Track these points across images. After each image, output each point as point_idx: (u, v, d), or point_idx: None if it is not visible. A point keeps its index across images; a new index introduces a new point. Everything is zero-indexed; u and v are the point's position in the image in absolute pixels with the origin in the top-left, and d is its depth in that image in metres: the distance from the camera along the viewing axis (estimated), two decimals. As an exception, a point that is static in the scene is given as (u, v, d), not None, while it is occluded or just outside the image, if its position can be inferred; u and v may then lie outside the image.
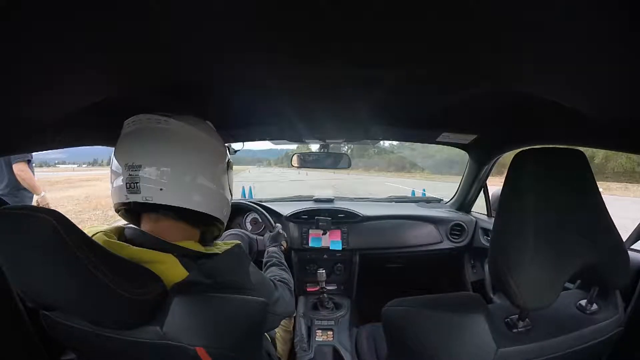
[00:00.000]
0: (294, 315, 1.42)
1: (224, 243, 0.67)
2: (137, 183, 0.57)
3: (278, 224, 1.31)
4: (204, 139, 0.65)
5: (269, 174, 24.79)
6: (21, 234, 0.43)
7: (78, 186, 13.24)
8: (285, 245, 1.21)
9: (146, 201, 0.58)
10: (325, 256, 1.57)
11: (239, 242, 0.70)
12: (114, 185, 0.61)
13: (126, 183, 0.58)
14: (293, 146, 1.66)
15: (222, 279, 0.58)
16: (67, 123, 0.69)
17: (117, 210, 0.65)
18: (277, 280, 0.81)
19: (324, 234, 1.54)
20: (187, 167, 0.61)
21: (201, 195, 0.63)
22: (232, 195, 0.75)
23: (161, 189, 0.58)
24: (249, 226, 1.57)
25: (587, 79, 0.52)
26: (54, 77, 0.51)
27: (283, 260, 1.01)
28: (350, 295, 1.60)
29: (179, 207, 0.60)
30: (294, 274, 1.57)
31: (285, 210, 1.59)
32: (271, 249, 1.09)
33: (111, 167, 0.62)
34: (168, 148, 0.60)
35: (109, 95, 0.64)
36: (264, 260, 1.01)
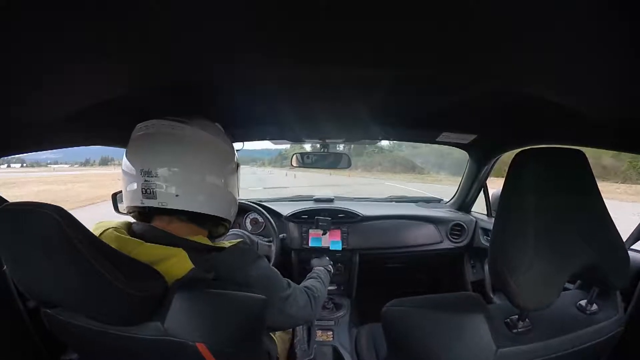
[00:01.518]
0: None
1: (229, 242, 0.68)
2: (153, 189, 0.59)
3: (326, 259, 1.35)
4: (215, 144, 0.67)
5: (252, 176, 19.96)
6: (24, 230, 0.43)
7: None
8: (332, 269, 1.23)
9: (162, 206, 0.60)
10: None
11: (242, 238, 0.71)
12: (128, 189, 0.62)
13: (142, 189, 0.60)
14: (287, 146, 1.65)
15: (224, 274, 0.59)
16: (68, 123, 0.69)
17: (129, 213, 0.67)
18: (303, 286, 0.84)
19: (324, 234, 1.54)
20: (201, 173, 0.63)
21: (213, 199, 0.66)
22: (239, 195, 0.77)
23: (177, 195, 0.60)
24: (248, 226, 1.57)
25: (586, 78, 0.52)
26: (54, 77, 0.51)
27: (323, 277, 1.03)
28: (350, 295, 1.60)
29: (191, 211, 0.62)
30: (294, 274, 1.57)
31: (285, 210, 1.59)
32: (318, 267, 1.13)
33: (123, 169, 0.63)
34: (183, 155, 0.61)
35: (109, 96, 0.64)
36: (310, 274, 1.05)
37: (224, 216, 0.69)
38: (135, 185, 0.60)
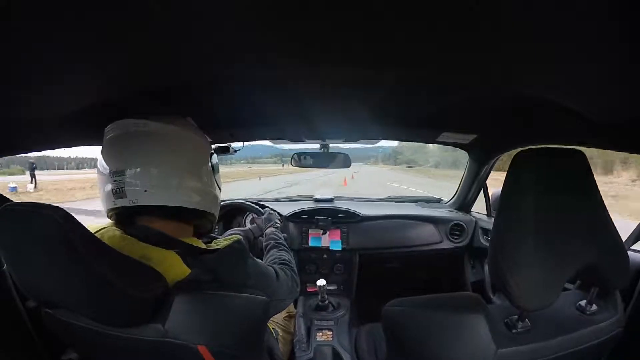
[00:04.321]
0: (294, 313, 1.42)
1: (224, 239, 0.68)
2: (122, 188, 0.59)
3: (267, 208, 1.33)
4: (183, 136, 0.65)
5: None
6: (25, 231, 0.43)
7: None
8: (279, 223, 1.20)
9: (132, 204, 0.59)
10: (325, 256, 1.57)
11: (239, 236, 0.70)
12: (103, 192, 0.62)
13: (112, 189, 0.59)
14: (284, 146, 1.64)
15: (222, 275, 0.59)
16: (68, 123, 0.69)
17: (109, 217, 0.66)
18: (279, 264, 0.82)
19: (324, 233, 1.54)
20: (169, 166, 0.62)
21: (187, 192, 0.64)
22: (220, 187, 0.75)
23: (145, 191, 0.59)
24: (248, 225, 1.57)
25: (587, 79, 0.52)
26: (53, 77, 0.51)
27: (282, 241, 1.01)
28: (349, 295, 1.60)
29: (166, 206, 0.61)
30: None
31: (285, 210, 1.59)
32: (268, 230, 1.09)
33: (97, 172, 0.63)
34: (148, 150, 0.61)
35: (109, 96, 0.64)
36: (264, 244, 1.01)
37: (201, 208, 0.67)
38: (108, 187, 0.60)
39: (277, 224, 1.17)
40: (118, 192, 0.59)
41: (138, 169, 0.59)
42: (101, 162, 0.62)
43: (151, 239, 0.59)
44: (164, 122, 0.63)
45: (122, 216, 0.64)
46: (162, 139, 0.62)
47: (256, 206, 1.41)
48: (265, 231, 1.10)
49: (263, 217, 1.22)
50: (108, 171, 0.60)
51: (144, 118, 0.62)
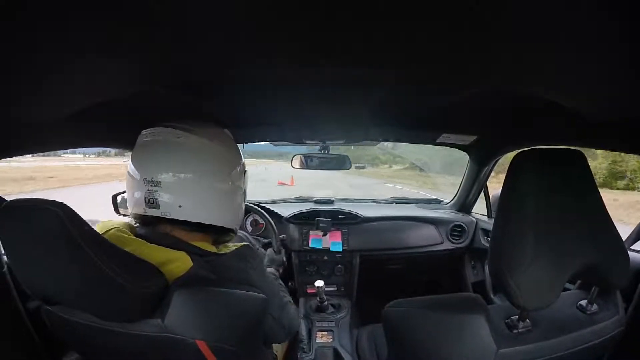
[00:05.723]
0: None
1: (234, 245, 0.69)
2: (156, 199, 0.59)
3: (270, 249, 1.25)
4: (222, 154, 0.66)
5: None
6: (27, 226, 0.43)
7: None
8: (280, 271, 1.16)
9: (165, 216, 0.60)
10: (325, 257, 1.57)
11: (248, 243, 0.70)
12: (133, 197, 0.62)
13: (145, 197, 0.59)
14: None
15: (226, 275, 0.59)
16: (68, 124, 0.69)
17: (133, 218, 0.66)
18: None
19: (324, 235, 1.54)
20: (205, 184, 0.62)
21: (217, 210, 0.65)
22: (245, 202, 0.76)
23: (180, 206, 0.59)
24: (249, 227, 1.57)
25: (587, 79, 0.52)
26: (54, 77, 0.51)
27: (280, 282, 1.00)
28: (350, 296, 1.60)
29: (196, 222, 0.62)
30: (295, 275, 1.57)
31: (286, 211, 1.59)
32: (269, 269, 1.07)
33: (128, 174, 0.63)
34: (187, 165, 0.60)
35: (109, 96, 0.64)
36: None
37: (229, 226, 0.68)
38: (139, 193, 0.60)
39: (279, 271, 1.12)
40: (151, 202, 0.59)
41: (174, 183, 0.59)
42: (132, 165, 0.62)
43: (161, 242, 0.59)
44: (204, 137, 0.63)
45: (147, 221, 0.64)
46: (200, 156, 0.62)
47: (273, 223, 1.35)
48: (267, 268, 1.05)
49: (271, 256, 1.17)
50: (140, 177, 0.60)
51: (185, 129, 0.62)
